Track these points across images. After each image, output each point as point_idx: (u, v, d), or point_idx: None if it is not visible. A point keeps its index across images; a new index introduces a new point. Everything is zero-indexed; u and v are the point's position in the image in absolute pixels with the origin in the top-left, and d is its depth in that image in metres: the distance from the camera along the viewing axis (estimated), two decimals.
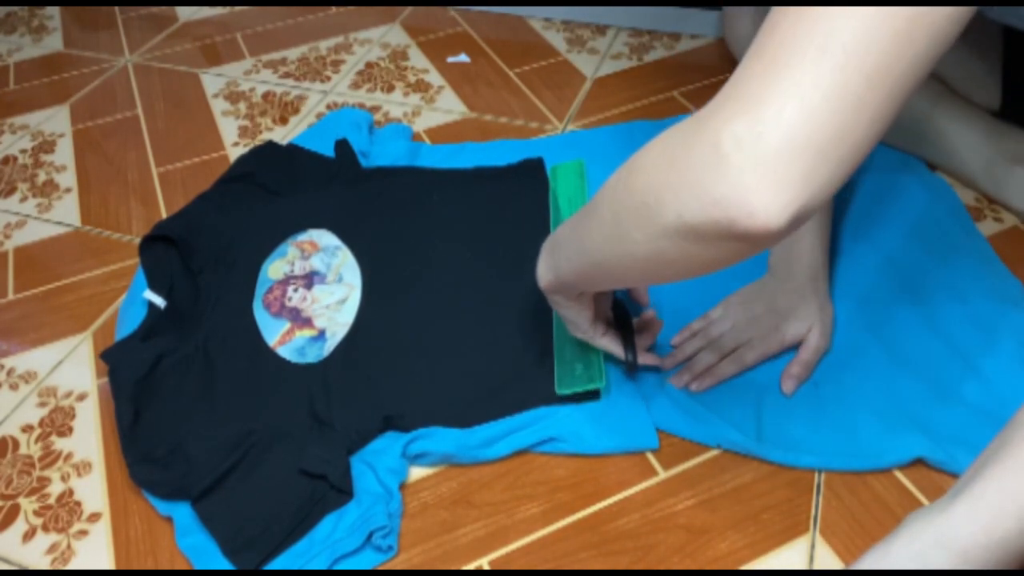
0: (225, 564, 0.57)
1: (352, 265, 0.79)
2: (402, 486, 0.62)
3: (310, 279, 0.78)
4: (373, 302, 0.76)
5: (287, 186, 0.88)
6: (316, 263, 0.80)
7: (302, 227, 0.84)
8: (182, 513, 0.61)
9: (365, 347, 0.72)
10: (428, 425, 0.64)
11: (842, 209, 0.77)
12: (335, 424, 0.65)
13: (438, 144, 0.97)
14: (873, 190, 0.82)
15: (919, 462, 0.60)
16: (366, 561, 0.58)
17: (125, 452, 0.64)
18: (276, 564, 0.57)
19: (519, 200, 0.85)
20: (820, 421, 0.63)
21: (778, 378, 0.66)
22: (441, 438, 0.63)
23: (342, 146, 0.92)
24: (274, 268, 0.80)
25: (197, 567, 0.58)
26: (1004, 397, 0.62)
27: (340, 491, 0.60)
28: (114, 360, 0.69)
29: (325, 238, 0.82)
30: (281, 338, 0.73)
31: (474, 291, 0.76)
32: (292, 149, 0.92)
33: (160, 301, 0.73)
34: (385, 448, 0.63)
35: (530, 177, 0.88)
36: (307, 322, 0.74)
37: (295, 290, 0.77)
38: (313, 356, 0.71)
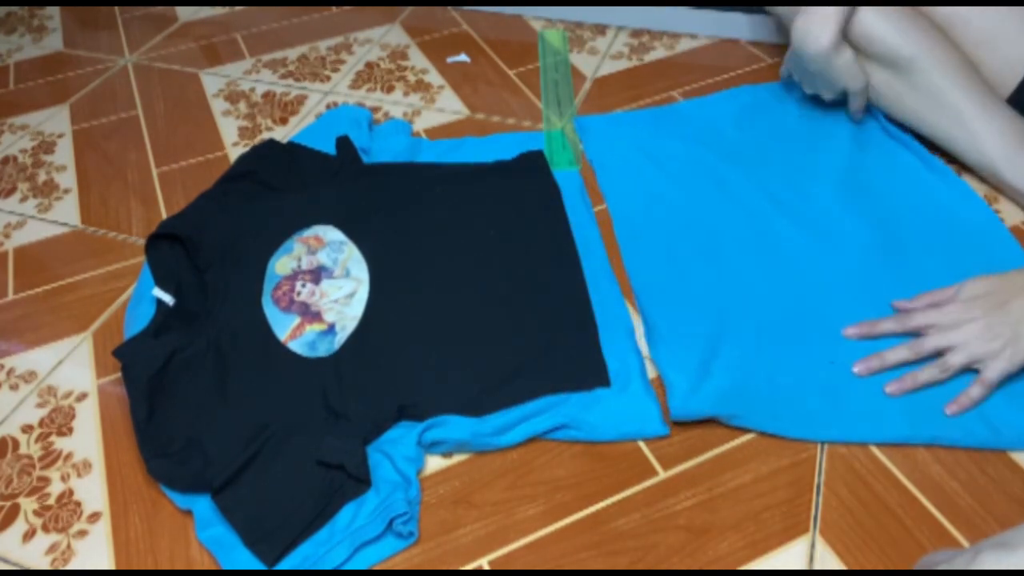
0: (246, 554, 0.58)
1: (358, 259, 0.80)
2: (420, 474, 0.63)
3: (317, 274, 0.79)
4: (382, 295, 0.76)
5: (289, 183, 0.89)
6: (323, 258, 0.80)
7: (307, 223, 0.84)
8: (202, 506, 0.61)
9: (376, 339, 0.72)
10: (441, 414, 0.65)
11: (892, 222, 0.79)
12: (350, 415, 0.65)
13: (438, 140, 0.97)
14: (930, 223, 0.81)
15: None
16: (388, 548, 0.58)
17: (141, 447, 0.64)
18: (298, 553, 0.58)
19: (522, 191, 0.86)
20: (838, 398, 0.64)
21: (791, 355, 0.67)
22: (455, 426, 0.64)
23: (343, 143, 0.92)
24: (281, 264, 0.80)
25: (219, 558, 0.58)
26: None
27: (359, 480, 0.61)
28: (127, 356, 0.69)
29: (330, 233, 0.83)
30: (292, 332, 0.73)
31: (481, 282, 0.77)
32: (293, 147, 0.92)
33: (169, 298, 0.73)
34: (400, 437, 0.64)
35: (532, 169, 0.89)
36: (317, 316, 0.75)
37: (303, 285, 0.77)
38: (324, 350, 0.72)
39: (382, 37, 1.21)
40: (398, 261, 0.79)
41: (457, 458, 0.64)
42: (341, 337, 0.72)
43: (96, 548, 0.61)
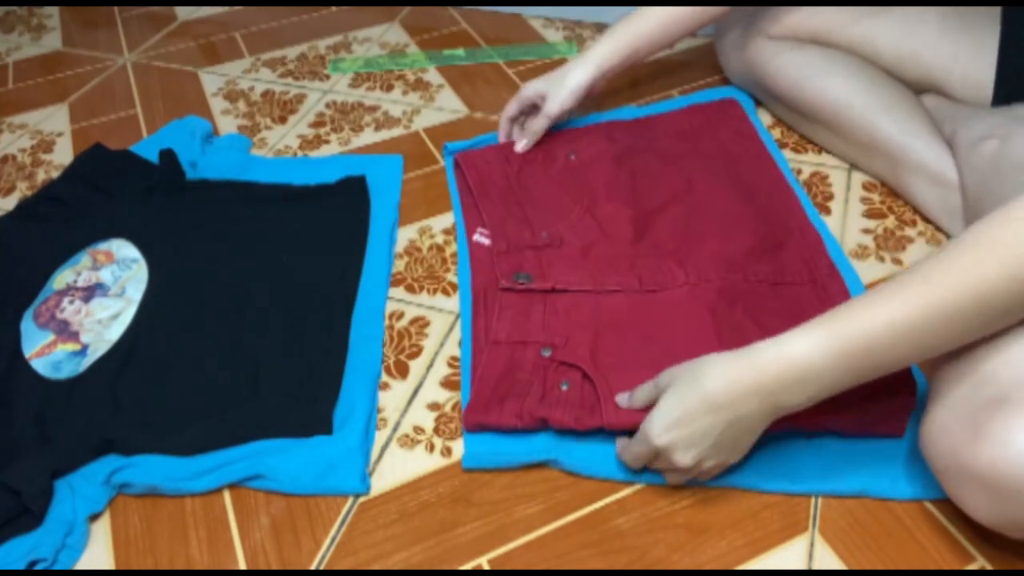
0: None
1: (140, 280, 0.77)
2: (94, 517, 0.62)
3: (91, 291, 0.76)
4: (144, 320, 0.74)
5: (109, 192, 0.86)
6: (104, 275, 0.78)
7: (105, 236, 0.82)
8: None
9: (120, 368, 0.69)
10: (154, 452, 0.63)
11: None
12: (60, 442, 0.63)
13: (274, 157, 0.96)
14: None
15: None
16: None
17: None
18: None
19: (329, 219, 0.84)
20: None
21: None
22: (149, 468, 0.62)
23: (166, 156, 0.90)
24: (61, 277, 0.78)
25: None
26: None
27: (31, 513, 0.59)
28: None
29: (124, 249, 0.80)
30: (40, 350, 0.71)
31: (250, 315, 0.74)
32: (123, 155, 0.90)
33: None
34: (94, 474, 0.62)
35: (349, 195, 0.87)
36: (73, 336, 0.72)
37: (71, 302, 0.75)
38: (67, 372, 0.69)
39: (381, 36, 1.21)
40: (180, 284, 0.77)
41: (456, 456, 0.64)
42: (89, 360, 0.70)
43: (96, 548, 0.61)
